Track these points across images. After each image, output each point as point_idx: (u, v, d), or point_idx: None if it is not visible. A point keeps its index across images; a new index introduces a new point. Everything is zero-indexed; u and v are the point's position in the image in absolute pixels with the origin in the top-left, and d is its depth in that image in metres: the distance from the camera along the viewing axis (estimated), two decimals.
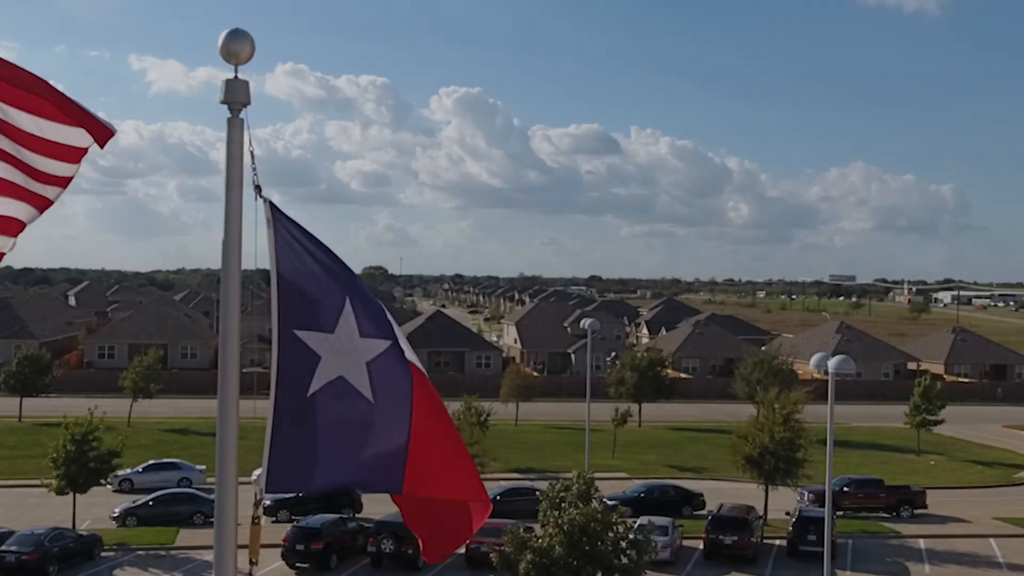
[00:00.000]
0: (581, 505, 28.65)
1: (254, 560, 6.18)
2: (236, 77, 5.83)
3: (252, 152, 5.82)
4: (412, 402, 5.88)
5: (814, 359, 28.44)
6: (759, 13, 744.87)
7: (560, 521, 28.19)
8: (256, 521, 6.15)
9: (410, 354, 6.00)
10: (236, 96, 5.79)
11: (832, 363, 26.85)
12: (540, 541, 28.78)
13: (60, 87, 5.41)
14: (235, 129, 5.79)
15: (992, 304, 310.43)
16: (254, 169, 5.83)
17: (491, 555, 31.27)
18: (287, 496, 48.78)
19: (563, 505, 28.93)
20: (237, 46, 5.84)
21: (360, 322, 5.84)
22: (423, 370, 6.07)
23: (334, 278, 5.87)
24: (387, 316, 5.99)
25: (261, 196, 5.85)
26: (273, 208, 5.87)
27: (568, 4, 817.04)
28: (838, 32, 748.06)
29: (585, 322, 49.47)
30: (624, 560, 28.91)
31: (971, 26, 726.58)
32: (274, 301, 5.80)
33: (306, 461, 5.88)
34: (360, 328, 5.83)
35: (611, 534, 29.17)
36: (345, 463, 5.92)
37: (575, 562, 27.65)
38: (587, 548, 27.95)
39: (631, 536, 30.01)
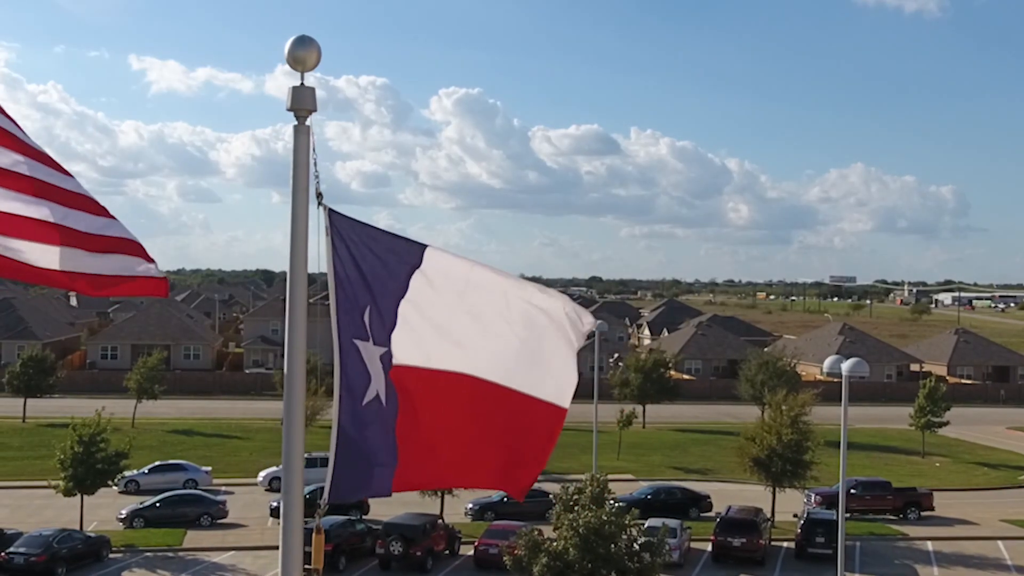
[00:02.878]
0: (595, 508, 28.56)
1: (318, 569, 6.17)
2: (303, 84, 5.81)
3: (315, 160, 5.82)
4: (398, 402, 5.96)
5: (828, 362, 28.41)
6: (760, 14, 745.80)
7: (575, 524, 28.11)
8: (318, 530, 6.14)
9: (408, 355, 5.97)
10: (303, 103, 5.77)
11: (846, 366, 26.81)
12: (555, 544, 28.71)
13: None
14: (302, 136, 5.78)
15: (993, 306, 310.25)
16: (316, 176, 5.83)
17: (505, 558, 31.16)
18: None
19: (576, 508, 28.86)
20: (303, 53, 5.81)
21: (373, 330, 5.90)
22: (432, 367, 6.01)
23: (366, 285, 5.92)
24: (384, 321, 5.97)
25: (321, 204, 5.86)
26: (332, 214, 5.88)
27: (568, 5, 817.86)
28: (838, 33, 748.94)
29: (593, 323, 49.26)
30: (638, 563, 28.82)
31: (971, 27, 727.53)
32: (333, 309, 5.83)
33: (360, 470, 5.95)
34: (373, 336, 5.90)
35: (625, 536, 29.09)
36: (377, 470, 6.02)
37: (590, 565, 27.59)
38: (601, 551, 27.88)
39: (644, 538, 29.95)
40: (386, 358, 5.93)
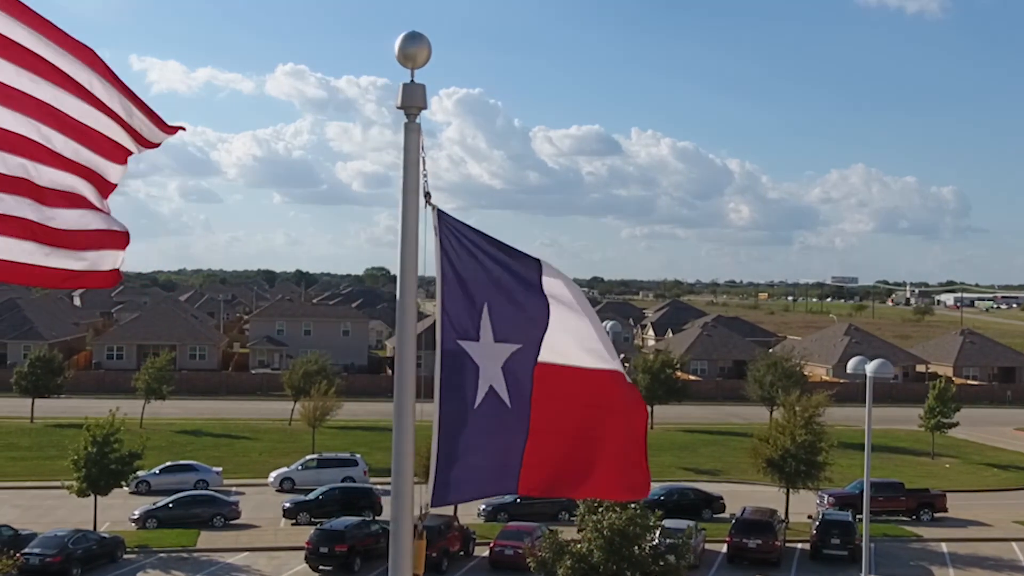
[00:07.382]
0: (619, 509, 28.47)
1: (418, 573, 6.07)
2: (413, 81, 5.73)
3: (424, 158, 5.73)
4: (531, 401, 5.90)
5: (851, 363, 28.34)
6: (760, 15, 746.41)
7: (600, 525, 28.00)
8: (421, 535, 6.04)
9: (552, 354, 5.97)
10: (413, 101, 5.69)
11: (871, 367, 26.74)
12: (579, 546, 28.62)
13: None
14: (412, 134, 5.70)
15: (995, 306, 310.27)
16: (425, 175, 5.75)
17: (528, 560, 31.01)
18: (307, 499, 48.64)
19: (600, 509, 28.77)
20: (414, 50, 5.74)
21: (495, 327, 5.85)
22: (574, 366, 6.02)
23: (479, 284, 5.86)
24: (528, 319, 5.96)
25: (429, 203, 5.78)
26: (440, 214, 5.81)
27: (569, 5, 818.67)
28: (840, 34, 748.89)
29: (604, 325, 49.30)
30: (663, 564, 28.72)
31: (973, 28, 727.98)
32: (439, 310, 5.77)
33: (469, 472, 5.90)
34: (495, 333, 5.84)
35: (649, 537, 29.01)
36: (494, 471, 5.96)
37: (615, 567, 27.49)
38: (626, 552, 27.78)
39: (668, 540, 29.87)
40: (521, 355, 5.89)
